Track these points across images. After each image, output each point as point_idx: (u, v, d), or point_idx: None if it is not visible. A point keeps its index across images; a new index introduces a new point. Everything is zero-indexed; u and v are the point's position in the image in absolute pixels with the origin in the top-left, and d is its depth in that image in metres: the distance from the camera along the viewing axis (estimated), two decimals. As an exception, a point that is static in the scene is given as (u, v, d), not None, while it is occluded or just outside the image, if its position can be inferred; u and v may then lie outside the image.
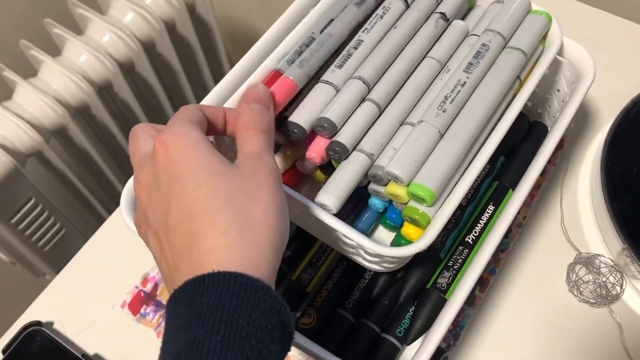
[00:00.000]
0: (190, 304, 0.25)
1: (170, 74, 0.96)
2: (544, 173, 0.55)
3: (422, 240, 0.37)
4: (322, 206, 0.39)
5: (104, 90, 0.85)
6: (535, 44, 0.44)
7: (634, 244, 0.49)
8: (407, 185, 0.39)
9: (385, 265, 0.41)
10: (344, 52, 0.43)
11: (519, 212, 0.53)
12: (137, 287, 0.51)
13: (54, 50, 0.81)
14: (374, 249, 0.37)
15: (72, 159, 0.87)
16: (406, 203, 0.40)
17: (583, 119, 0.59)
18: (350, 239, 0.38)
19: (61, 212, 0.85)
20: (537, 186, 0.55)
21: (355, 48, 0.43)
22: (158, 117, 0.97)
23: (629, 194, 0.52)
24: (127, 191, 0.42)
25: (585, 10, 0.65)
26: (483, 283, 0.50)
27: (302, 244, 0.49)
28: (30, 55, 0.79)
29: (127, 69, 0.87)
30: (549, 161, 0.56)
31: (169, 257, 0.28)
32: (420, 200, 0.38)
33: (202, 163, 0.28)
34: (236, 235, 0.26)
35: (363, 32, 0.43)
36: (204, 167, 0.28)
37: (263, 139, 0.32)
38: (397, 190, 0.39)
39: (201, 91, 1.01)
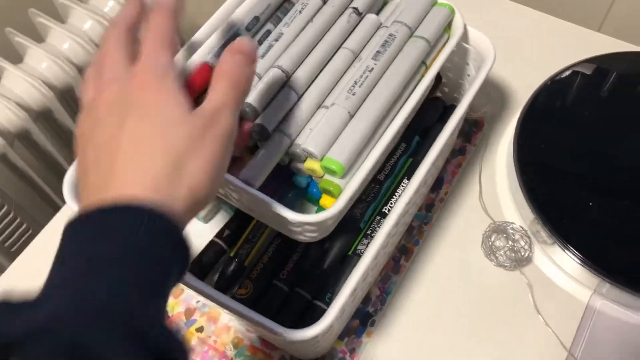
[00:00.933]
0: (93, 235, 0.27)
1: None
2: (464, 153, 0.60)
3: (332, 208, 0.42)
4: (245, 181, 0.43)
5: (66, 94, 0.89)
6: (439, 33, 0.49)
7: (542, 213, 0.54)
8: (321, 160, 0.43)
9: (309, 234, 0.46)
10: (266, 43, 0.47)
11: (441, 188, 0.58)
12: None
13: (16, 57, 0.84)
14: (289, 216, 0.41)
15: (36, 160, 0.90)
16: (322, 177, 0.44)
17: (501, 103, 0.64)
18: (270, 208, 0.42)
19: (27, 213, 0.88)
20: (457, 164, 0.60)
21: (276, 40, 0.47)
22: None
23: (538, 168, 0.57)
24: (69, 179, 0.45)
25: (503, 4, 0.71)
26: (407, 253, 0.55)
27: (240, 223, 0.54)
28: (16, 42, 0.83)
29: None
30: (470, 142, 0.61)
31: (94, 170, 0.30)
32: (332, 172, 0.43)
33: (168, 105, 0.30)
34: (163, 180, 0.29)
35: (284, 26, 0.48)
36: (166, 109, 0.30)
37: (231, 95, 0.33)
38: (313, 165, 0.44)
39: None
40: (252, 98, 0.44)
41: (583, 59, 0.63)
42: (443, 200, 0.58)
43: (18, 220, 0.85)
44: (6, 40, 0.85)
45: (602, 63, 0.63)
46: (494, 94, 0.64)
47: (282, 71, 0.46)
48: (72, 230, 0.27)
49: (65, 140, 0.93)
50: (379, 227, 0.49)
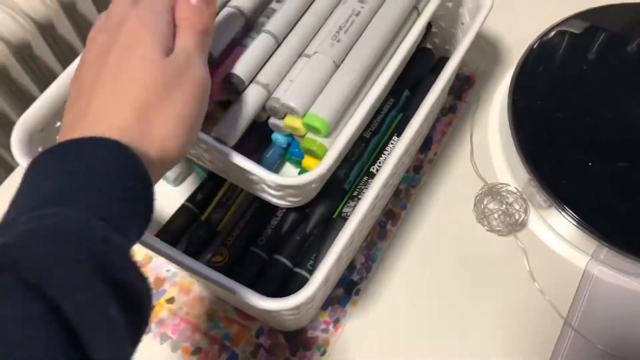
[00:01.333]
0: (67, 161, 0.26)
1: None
2: (455, 110, 0.56)
3: (316, 169, 0.37)
4: (218, 139, 0.38)
5: (23, 51, 0.82)
6: (433, -25, 0.44)
7: (538, 174, 0.50)
8: (303, 117, 0.39)
9: (290, 199, 0.41)
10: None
11: (430, 149, 0.54)
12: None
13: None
14: (269, 178, 0.37)
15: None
16: (304, 135, 0.40)
17: (494, 59, 0.60)
18: (246, 170, 0.38)
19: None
20: (447, 123, 0.56)
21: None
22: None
23: (534, 126, 0.53)
24: (20, 132, 0.40)
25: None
26: (394, 217, 0.51)
27: (214, 187, 0.49)
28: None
29: (46, 30, 0.84)
30: (460, 99, 0.57)
31: (72, 109, 0.30)
32: (315, 131, 0.39)
33: (146, 44, 0.29)
34: (131, 125, 0.28)
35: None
36: (145, 48, 0.29)
37: (194, 40, 0.31)
38: (293, 122, 0.39)
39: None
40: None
41: (579, 12, 0.59)
42: (432, 162, 0.54)
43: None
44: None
45: (599, 16, 0.59)
46: (486, 48, 0.60)
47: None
48: (36, 163, 0.27)
49: (21, 98, 0.86)
50: (366, 188, 0.45)
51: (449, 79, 0.44)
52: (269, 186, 0.40)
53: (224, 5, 0.42)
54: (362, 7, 0.41)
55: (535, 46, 0.57)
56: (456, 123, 0.56)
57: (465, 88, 0.58)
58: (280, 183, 0.37)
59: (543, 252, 0.50)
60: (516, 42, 0.60)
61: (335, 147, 0.38)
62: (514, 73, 0.55)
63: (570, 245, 0.50)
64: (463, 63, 0.59)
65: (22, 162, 0.39)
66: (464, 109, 0.57)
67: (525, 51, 0.57)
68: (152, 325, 0.47)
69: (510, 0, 0.62)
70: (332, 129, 0.39)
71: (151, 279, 0.49)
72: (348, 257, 0.48)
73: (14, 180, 0.54)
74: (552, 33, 0.58)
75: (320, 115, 0.38)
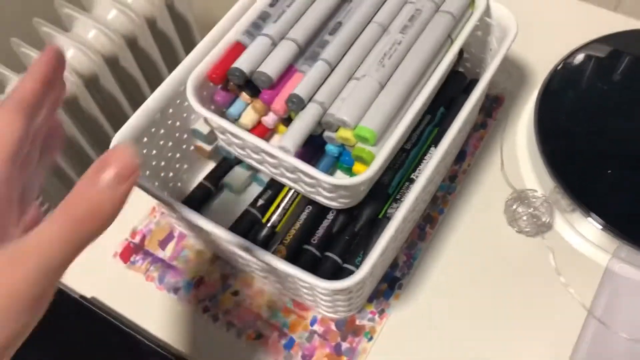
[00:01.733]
0: None
1: (153, 68, 1.03)
2: (486, 127, 0.63)
3: (366, 172, 0.44)
4: (282, 148, 0.46)
5: (91, 83, 0.91)
6: (464, 8, 0.51)
7: (562, 182, 0.56)
8: (354, 129, 0.46)
9: (341, 200, 0.48)
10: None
11: (464, 160, 0.61)
12: (127, 239, 0.57)
13: (42, 47, 0.87)
14: (326, 179, 0.44)
15: (63, 150, 0.93)
16: (354, 145, 0.47)
17: (520, 80, 0.66)
18: (306, 174, 0.45)
19: (53, 199, 0.91)
20: (479, 138, 0.62)
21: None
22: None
23: (558, 139, 0.59)
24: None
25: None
26: (432, 221, 0.57)
27: (272, 193, 0.56)
28: (21, 52, 0.86)
29: (111, 62, 0.93)
30: (491, 116, 0.63)
31: None
32: (364, 140, 0.45)
33: None
34: None
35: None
36: None
37: (56, 231, 0.23)
38: (345, 134, 0.46)
39: (182, 81, 1.07)
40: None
41: (601, 36, 0.65)
42: (466, 172, 0.60)
43: (45, 206, 0.88)
44: (33, 30, 0.87)
45: (620, 40, 0.65)
46: (513, 70, 0.66)
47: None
48: None
49: (89, 129, 0.95)
50: (407, 192, 0.51)
51: (478, 98, 0.50)
52: (324, 188, 0.46)
53: (282, 37, 0.49)
54: (404, 37, 0.48)
55: (558, 68, 0.63)
56: (487, 138, 0.62)
57: (494, 106, 0.64)
58: (335, 184, 0.44)
59: (567, 251, 0.56)
60: (541, 65, 0.66)
61: (382, 153, 0.45)
62: (539, 93, 0.61)
63: (593, 245, 0.56)
64: (492, 84, 0.65)
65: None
66: (494, 126, 0.63)
67: (549, 73, 0.63)
68: (220, 315, 0.53)
69: (535, 27, 0.69)
70: (378, 139, 0.46)
71: (217, 275, 0.56)
72: (392, 253, 0.54)
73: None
74: (574, 56, 0.64)
75: (369, 127, 0.45)
